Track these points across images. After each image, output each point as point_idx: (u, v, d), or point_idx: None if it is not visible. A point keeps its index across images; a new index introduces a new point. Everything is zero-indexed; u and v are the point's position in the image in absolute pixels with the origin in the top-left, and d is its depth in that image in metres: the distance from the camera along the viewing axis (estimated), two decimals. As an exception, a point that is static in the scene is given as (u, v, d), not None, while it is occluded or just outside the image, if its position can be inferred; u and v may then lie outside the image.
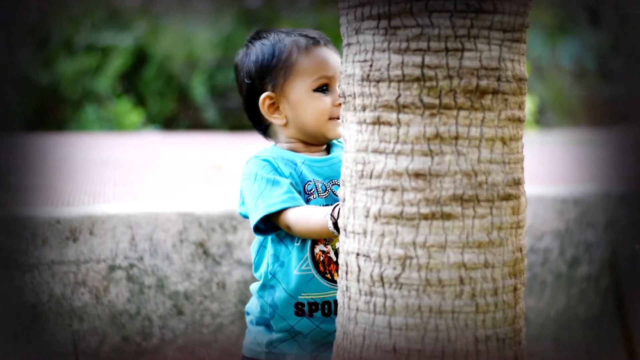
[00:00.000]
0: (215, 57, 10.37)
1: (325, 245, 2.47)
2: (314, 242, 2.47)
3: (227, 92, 10.22)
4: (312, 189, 2.48)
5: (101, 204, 3.55)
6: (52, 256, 3.23)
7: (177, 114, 10.45)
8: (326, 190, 2.49)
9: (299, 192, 2.46)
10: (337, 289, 2.45)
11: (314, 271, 2.46)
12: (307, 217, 2.38)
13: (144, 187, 4.35)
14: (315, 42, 2.56)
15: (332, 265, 2.47)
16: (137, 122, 9.94)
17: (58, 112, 9.92)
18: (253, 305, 2.57)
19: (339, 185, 2.48)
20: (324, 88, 2.52)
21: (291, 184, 2.44)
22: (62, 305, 3.24)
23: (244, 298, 3.42)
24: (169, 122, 10.36)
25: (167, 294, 3.38)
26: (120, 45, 10.06)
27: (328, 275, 2.47)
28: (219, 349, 3.44)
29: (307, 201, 2.46)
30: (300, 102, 2.54)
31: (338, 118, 2.48)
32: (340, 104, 2.45)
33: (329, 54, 2.56)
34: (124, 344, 3.32)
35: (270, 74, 2.57)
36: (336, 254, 2.46)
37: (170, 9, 10.67)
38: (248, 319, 2.59)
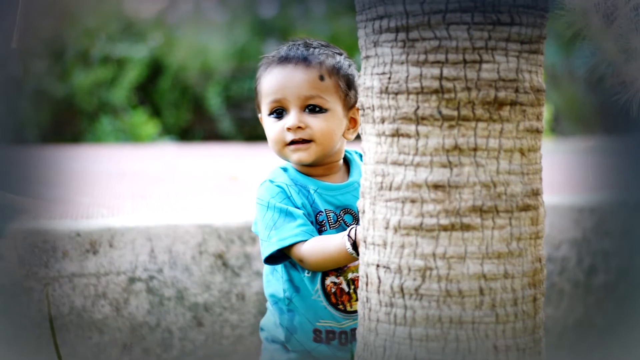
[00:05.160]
0: (230, 68, 10.41)
1: (337, 277, 2.44)
2: (325, 274, 2.43)
3: (242, 103, 10.26)
4: (323, 220, 2.43)
5: (120, 217, 3.57)
6: (72, 269, 3.24)
7: (193, 125, 10.47)
8: (337, 220, 2.44)
9: (311, 223, 2.41)
10: (352, 319, 2.45)
11: (325, 302, 2.44)
12: (321, 245, 2.34)
13: (162, 199, 4.36)
14: (279, 61, 2.46)
15: (344, 297, 2.44)
16: (152, 134, 9.98)
17: (74, 124, 9.96)
18: (269, 323, 2.53)
19: (351, 214, 2.46)
20: (278, 111, 2.44)
21: (303, 214, 2.40)
22: (83, 317, 3.26)
23: (263, 309, 3.43)
24: (184, 133, 10.39)
25: (186, 306, 3.39)
26: (135, 57, 10.10)
27: (341, 307, 2.44)
28: (238, 360, 3.45)
29: (319, 232, 2.42)
30: (264, 127, 2.50)
31: (292, 143, 2.42)
32: (289, 128, 2.41)
33: (285, 74, 2.44)
34: (145, 356, 3.33)
35: (255, 95, 2.54)
36: (349, 284, 2.44)
37: (185, 20, 10.72)
38: (263, 335, 2.55)
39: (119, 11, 10.48)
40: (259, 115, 2.52)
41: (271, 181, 2.46)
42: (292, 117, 2.42)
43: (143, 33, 10.38)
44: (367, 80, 2.12)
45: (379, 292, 2.10)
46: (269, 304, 2.53)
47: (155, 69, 10.33)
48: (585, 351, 4.00)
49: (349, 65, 2.49)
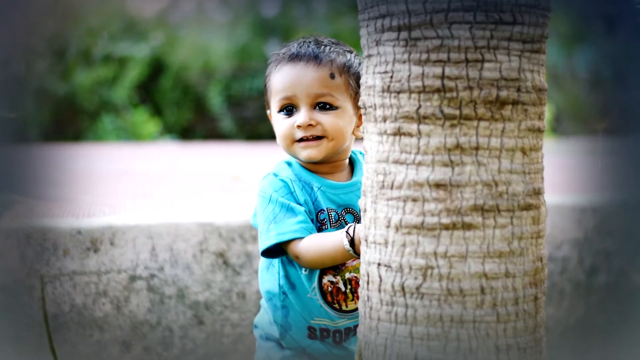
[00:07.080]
0: (232, 67, 10.41)
1: (334, 276, 2.44)
2: (322, 272, 2.43)
3: (244, 102, 10.27)
4: (324, 218, 2.43)
5: (121, 215, 3.57)
6: (73, 267, 3.25)
7: (194, 124, 10.48)
8: (339, 219, 2.44)
9: (312, 220, 2.41)
10: (347, 318, 2.45)
11: (321, 301, 2.44)
12: (319, 242, 2.34)
13: (163, 198, 4.36)
14: (290, 58, 2.45)
15: (340, 296, 2.44)
16: (153, 132, 9.98)
17: (75, 122, 9.97)
18: (263, 321, 2.53)
19: (352, 214, 2.46)
20: (288, 108, 2.44)
21: (305, 211, 2.40)
22: (84, 315, 3.26)
23: (263, 308, 3.44)
24: (186, 132, 10.40)
25: (187, 304, 3.39)
26: (137, 56, 10.11)
27: (336, 306, 2.44)
28: (239, 358, 3.45)
29: (319, 230, 2.42)
30: (273, 124, 2.50)
31: (301, 140, 2.43)
32: (299, 126, 2.41)
33: (296, 71, 2.43)
34: (145, 354, 3.34)
35: (265, 91, 2.54)
36: (345, 284, 2.45)
37: (187, 19, 10.72)
38: (257, 333, 2.55)
39: (121, 10, 10.49)
40: (268, 112, 2.53)
41: (275, 174, 2.45)
42: (302, 115, 2.42)
43: (145, 32, 10.39)
44: (369, 79, 2.12)
45: (380, 290, 2.10)
46: (263, 301, 2.54)
47: (156, 68, 10.33)
48: (586, 351, 4.00)
49: (359, 64, 2.48)
